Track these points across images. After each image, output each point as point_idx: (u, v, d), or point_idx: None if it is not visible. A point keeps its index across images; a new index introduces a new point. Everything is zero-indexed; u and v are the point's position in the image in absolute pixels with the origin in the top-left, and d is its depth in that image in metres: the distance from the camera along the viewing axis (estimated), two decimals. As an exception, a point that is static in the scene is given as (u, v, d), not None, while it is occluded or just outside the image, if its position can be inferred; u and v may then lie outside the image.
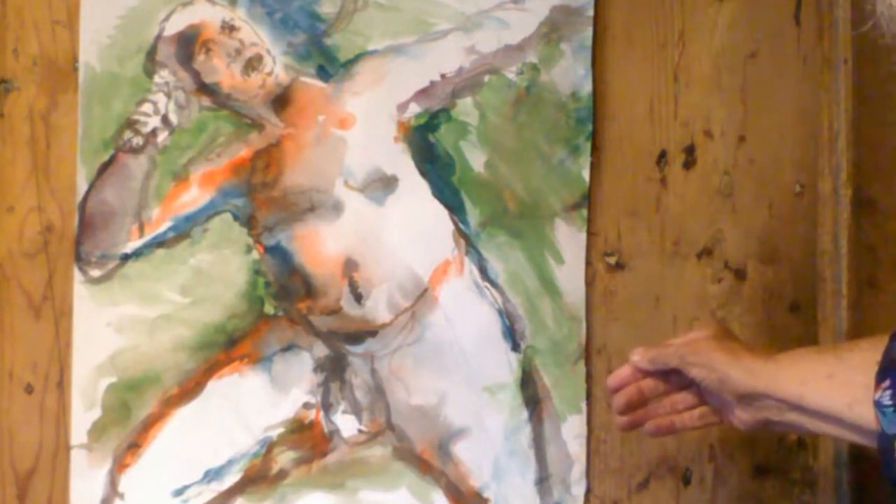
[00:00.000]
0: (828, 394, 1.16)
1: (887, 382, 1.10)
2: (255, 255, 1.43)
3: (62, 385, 1.41)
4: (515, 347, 1.43)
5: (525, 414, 1.44)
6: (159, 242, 1.42)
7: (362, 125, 1.44)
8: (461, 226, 1.44)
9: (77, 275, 1.41)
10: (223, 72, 1.44)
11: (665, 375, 1.27)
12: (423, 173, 1.45)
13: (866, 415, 1.12)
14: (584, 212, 1.46)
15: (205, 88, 1.43)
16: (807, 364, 1.19)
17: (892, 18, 0.90)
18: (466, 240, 1.45)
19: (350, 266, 1.44)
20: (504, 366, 1.44)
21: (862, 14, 0.92)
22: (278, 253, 1.43)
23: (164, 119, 1.42)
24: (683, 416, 1.29)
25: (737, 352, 1.23)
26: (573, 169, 1.46)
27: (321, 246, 1.44)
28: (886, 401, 1.10)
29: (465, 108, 1.45)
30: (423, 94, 1.45)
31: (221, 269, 1.42)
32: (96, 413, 1.40)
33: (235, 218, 1.43)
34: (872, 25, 0.91)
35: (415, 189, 1.44)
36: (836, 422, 1.16)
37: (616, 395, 1.27)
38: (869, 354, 1.13)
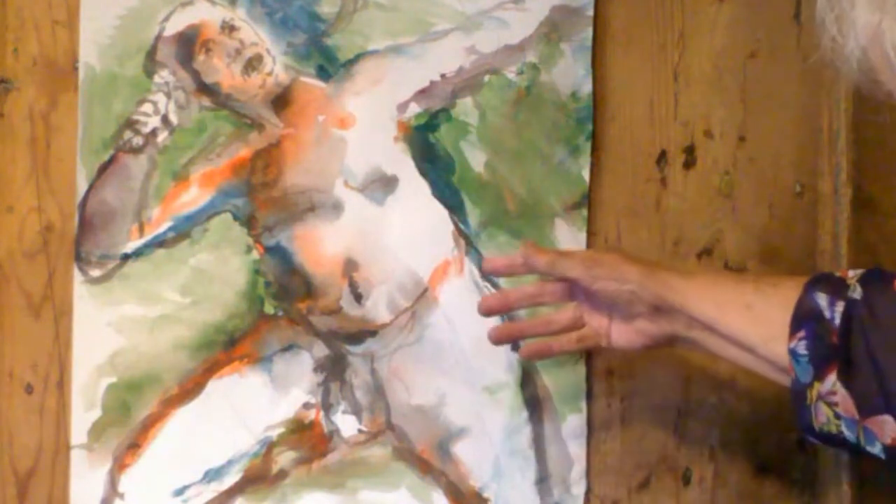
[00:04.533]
0: (744, 324, 1.16)
1: (802, 333, 1.11)
2: (255, 255, 1.43)
3: (62, 385, 1.41)
4: (515, 347, 1.43)
5: (525, 414, 1.44)
6: (159, 242, 1.42)
7: (362, 125, 1.44)
8: (461, 226, 1.44)
9: (77, 275, 1.41)
10: (223, 72, 1.44)
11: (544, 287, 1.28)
12: (423, 173, 1.45)
13: (781, 352, 1.13)
14: (584, 212, 1.45)
15: (205, 88, 1.43)
16: (725, 290, 1.19)
17: (836, 52, 0.94)
18: (466, 240, 1.44)
19: (350, 266, 1.44)
20: (504, 366, 1.44)
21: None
22: (278, 253, 1.43)
23: (164, 119, 1.42)
24: (561, 340, 1.29)
25: (648, 265, 1.23)
26: (573, 169, 1.45)
27: (321, 246, 1.44)
28: (801, 350, 1.11)
29: (465, 108, 1.45)
30: (423, 94, 1.45)
31: (221, 269, 1.42)
32: (96, 413, 1.40)
33: (235, 218, 1.43)
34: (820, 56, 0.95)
35: (415, 189, 1.44)
36: (749, 351, 1.17)
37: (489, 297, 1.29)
38: (791, 293, 1.14)
